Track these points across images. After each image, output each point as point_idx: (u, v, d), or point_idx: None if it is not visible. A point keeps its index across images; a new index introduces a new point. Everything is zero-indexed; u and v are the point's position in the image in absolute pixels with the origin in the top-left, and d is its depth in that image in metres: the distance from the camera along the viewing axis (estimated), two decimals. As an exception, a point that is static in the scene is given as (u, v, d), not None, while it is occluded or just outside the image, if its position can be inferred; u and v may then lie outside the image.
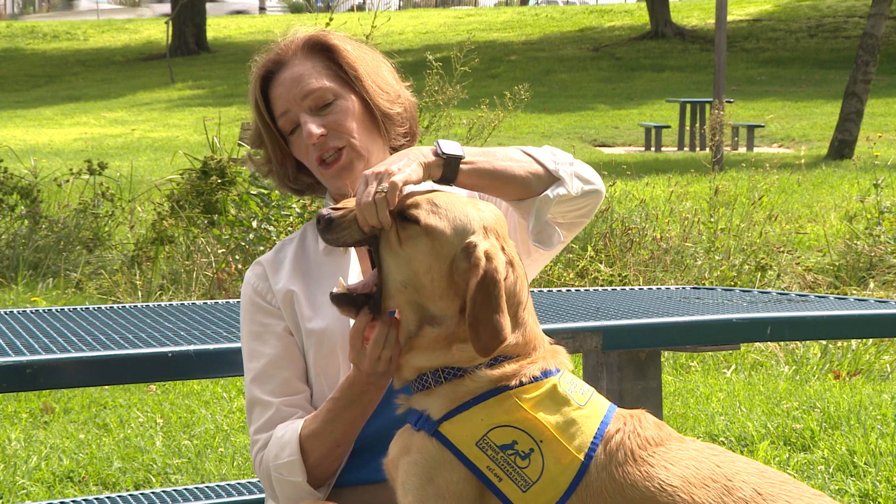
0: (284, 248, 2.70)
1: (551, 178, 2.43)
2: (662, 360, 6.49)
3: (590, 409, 2.21)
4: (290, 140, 2.63)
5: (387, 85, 2.64)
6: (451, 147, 2.35)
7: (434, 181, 2.36)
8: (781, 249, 9.10)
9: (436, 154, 2.34)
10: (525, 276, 2.29)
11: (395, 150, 2.67)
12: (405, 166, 2.28)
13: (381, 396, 2.46)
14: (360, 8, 49.88)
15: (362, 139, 2.59)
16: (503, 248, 2.24)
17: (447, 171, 2.35)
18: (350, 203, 2.28)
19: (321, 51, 2.62)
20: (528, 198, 2.43)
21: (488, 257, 2.18)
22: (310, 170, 2.66)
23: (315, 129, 2.56)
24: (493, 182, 2.40)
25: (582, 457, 2.16)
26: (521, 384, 2.19)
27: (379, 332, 2.28)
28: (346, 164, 2.59)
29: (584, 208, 2.50)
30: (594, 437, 2.17)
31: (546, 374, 2.22)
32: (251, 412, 2.60)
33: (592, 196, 2.49)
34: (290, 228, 8.12)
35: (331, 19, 8.29)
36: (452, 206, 2.26)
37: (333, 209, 2.27)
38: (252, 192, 8.51)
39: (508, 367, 2.20)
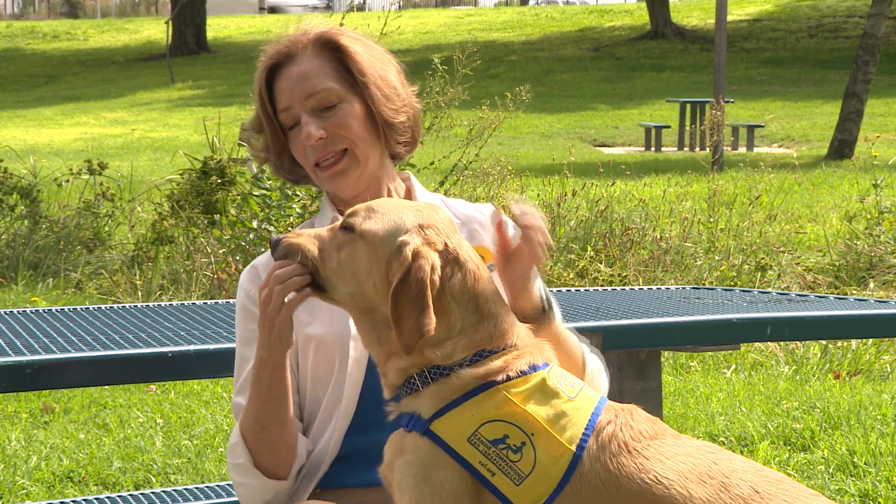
0: (281, 249, 2.70)
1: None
2: (662, 360, 6.49)
3: (580, 402, 2.20)
4: (290, 135, 2.61)
5: (393, 92, 2.61)
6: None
7: None
8: (781, 249, 9.09)
9: None
10: (484, 268, 2.27)
11: (392, 156, 2.66)
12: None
13: (282, 368, 2.42)
14: (361, 8, 49.84)
15: (363, 145, 2.58)
16: (445, 245, 2.23)
17: None
18: (304, 232, 2.31)
19: (331, 50, 2.59)
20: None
21: (415, 255, 2.18)
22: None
23: (315, 131, 2.55)
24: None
25: (574, 448, 2.15)
26: (509, 379, 2.19)
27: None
28: (342, 170, 2.57)
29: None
30: (585, 429, 2.16)
31: (534, 368, 2.21)
32: (237, 419, 2.58)
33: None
34: (289, 229, 8.12)
35: (342, 22, 8.26)
36: (389, 210, 2.26)
37: (285, 236, 2.30)
38: (254, 192, 8.51)
39: (493, 363, 2.20)
